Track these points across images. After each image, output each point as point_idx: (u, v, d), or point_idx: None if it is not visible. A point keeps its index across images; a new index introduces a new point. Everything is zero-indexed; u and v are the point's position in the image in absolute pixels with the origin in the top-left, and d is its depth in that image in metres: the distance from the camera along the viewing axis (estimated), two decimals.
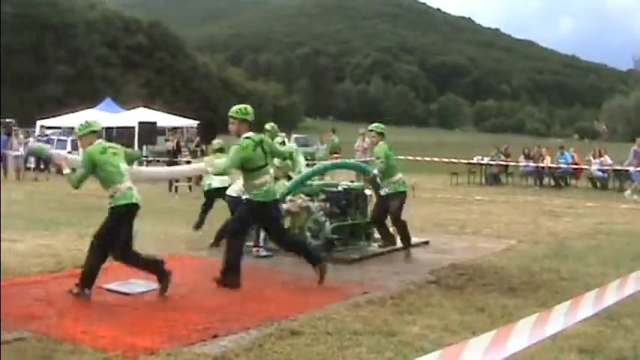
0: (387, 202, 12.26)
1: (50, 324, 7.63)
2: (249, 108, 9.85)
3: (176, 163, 25.77)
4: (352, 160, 20.41)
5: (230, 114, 9.83)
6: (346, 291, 9.45)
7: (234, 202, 12.12)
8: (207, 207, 14.47)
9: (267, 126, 14.06)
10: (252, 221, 10.04)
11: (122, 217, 8.68)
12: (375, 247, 12.68)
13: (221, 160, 11.20)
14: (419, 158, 30.27)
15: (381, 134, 12.42)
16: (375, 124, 12.68)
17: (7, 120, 56.17)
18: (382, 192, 12.23)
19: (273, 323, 7.71)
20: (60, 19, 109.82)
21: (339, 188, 12.46)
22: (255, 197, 9.56)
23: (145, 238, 9.54)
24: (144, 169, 10.50)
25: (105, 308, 8.33)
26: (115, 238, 8.63)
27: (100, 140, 8.90)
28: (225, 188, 12.72)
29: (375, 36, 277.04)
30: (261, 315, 8.06)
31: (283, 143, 16.86)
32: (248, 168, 9.54)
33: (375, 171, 12.22)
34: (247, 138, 9.54)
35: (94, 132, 9.02)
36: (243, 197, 10.04)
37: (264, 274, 10.61)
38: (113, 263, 9.12)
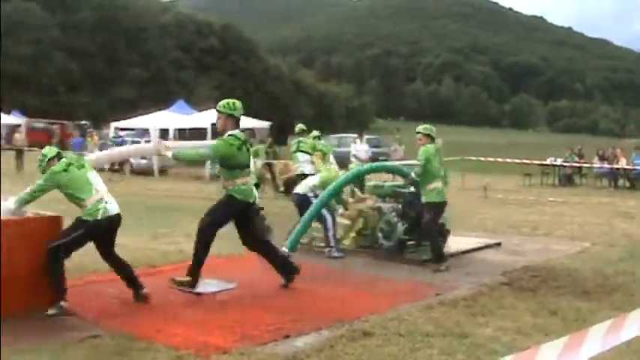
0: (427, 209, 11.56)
1: (124, 322, 7.74)
2: (237, 103, 9.48)
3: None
4: (393, 162, 20.15)
5: (217, 108, 9.50)
6: (418, 292, 9.40)
7: (301, 200, 12.17)
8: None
9: (300, 127, 14.23)
10: (229, 219, 9.48)
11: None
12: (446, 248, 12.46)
13: (188, 143, 10.95)
14: (491, 159, 29.98)
15: (427, 136, 11.50)
16: (423, 126, 11.81)
17: (82, 122, 57.32)
18: (422, 199, 11.59)
19: (344, 324, 7.71)
20: (133, 23, 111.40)
21: (412, 189, 12.35)
22: (239, 195, 9.24)
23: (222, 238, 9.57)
24: (96, 155, 10.22)
25: (178, 307, 8.41)
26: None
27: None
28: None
29: (446, 36, 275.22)
30: (333, 315, 8.07)
31: (318, 137, 16.96)
32: (231, 165, 9.20)
33: (413, 174, 11.76)
34: (232, 135, 9.20)
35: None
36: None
37: (337, 274, 10.61)
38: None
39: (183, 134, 35.02)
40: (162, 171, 32.76)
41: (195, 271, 9.10)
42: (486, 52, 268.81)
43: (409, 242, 12.13)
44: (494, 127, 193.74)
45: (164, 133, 34.40)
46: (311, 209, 11.66)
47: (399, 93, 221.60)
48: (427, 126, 11.85)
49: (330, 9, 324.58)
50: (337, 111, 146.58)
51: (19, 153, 34.44)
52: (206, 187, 26.73)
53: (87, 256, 9.17)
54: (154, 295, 8.77)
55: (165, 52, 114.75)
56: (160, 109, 38.71)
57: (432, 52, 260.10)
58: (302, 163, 17.30)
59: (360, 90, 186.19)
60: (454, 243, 12.66)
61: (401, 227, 11.84)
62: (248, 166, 9.48)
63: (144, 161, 32.86)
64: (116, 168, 31.44)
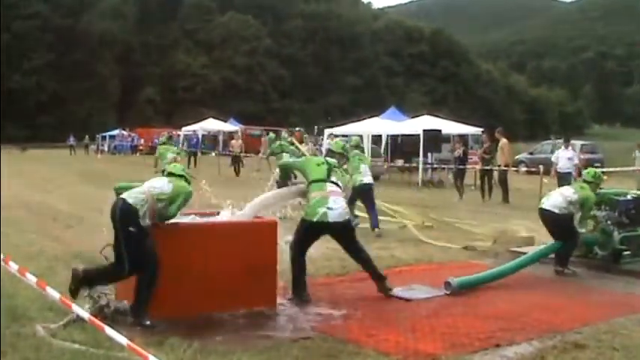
0: None
1: (336, 325, 7.90)
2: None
3: (463, 171, 25.74)
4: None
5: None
6: (635, 305, 9.02)
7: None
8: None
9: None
10: (304, 238, 9.08)
11: None
12: None
13: None
14: None
15: None
16: None
17: (297, 129, 58.70)
18: None
19: (556, 335, 7.53)
20: (346, 31, 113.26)
21: (628, 197, 11.87)
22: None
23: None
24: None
25: (388, 313, 8.46)
26: None
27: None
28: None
29: None
30: (544, 326, 7.89)
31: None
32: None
33: None
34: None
35: None
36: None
37: (549, 284, 10.35)
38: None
39: (395, 141, 35.17)
40: (375, 177, 33.01)
41: (294, 289, 8.97)
42: None
43: (625, 252, 11.65)
44: None
45: (377, 140, 34.69)
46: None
47: (616, 97, 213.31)
48: None
49: (541, 12, 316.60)
50: (550, 116, 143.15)
51: (236, 159, 35.94)
52: (417, 193, 26.78)
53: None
54: (366, 300, 8.90)
55: (377, 58, 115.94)
56: (372, 116, 39.04)
57: None
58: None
59: (574, 95, 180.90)
60: None
61: (617, 236, 11.39)
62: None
63: None
64: None
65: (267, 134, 41.98)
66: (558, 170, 22.96)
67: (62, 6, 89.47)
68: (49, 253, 11.67)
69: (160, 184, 7.77)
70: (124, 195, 7.67)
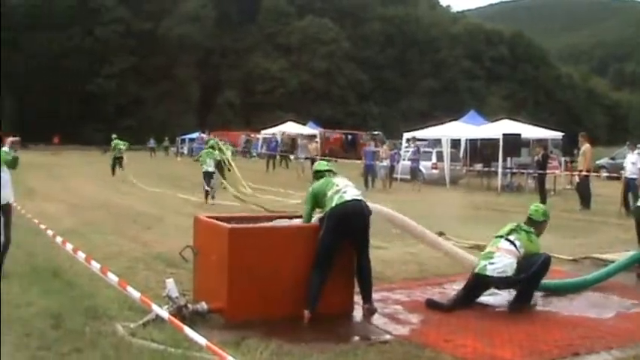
0: None
1: (413, 329, 7.85)
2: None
3: (543, 176, 25.42)
4: None
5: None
6: None
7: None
8: None
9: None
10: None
11: None
12: None
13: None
14: None
15: None
16: None
17: (375, 132, 58.80)
18: None
19: (637, 344, 7.37)
20: (424, 34, 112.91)
21: None
22: None
23: None
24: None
25: (467, 318, 8.36)
26: None
27: None
28: None
29: None
30: (625, 335, 7.72)
31: None
32: None
33: None
34: None
35: None
36: None
37: (632, 291, 10.06)
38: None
39: (474, 145, 34.88)
40: (454, 181, 32.88)
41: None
42: None
43: None
44: None
45: (455, 144, 34.46)
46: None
47: None
48: None
49: (623, 13, 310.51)
50: (632, 121, 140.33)
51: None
52: (497, 198, 26.52)
53: (378, 263, 9.35)
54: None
55: (456, 62, 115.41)
56: (451, 120, 38.80)
57: None
58: None
59: None
60: None
61: None
62: None
63: (436, 171, 33.17)
64: (409, 178, 31.98)
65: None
66: (626, 176, 22.24)
67: (143, 11, 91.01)
68: (128, 253, 11.87)
69: None
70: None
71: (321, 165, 9.12)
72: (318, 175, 8.80)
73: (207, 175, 22.58)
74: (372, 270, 8.49)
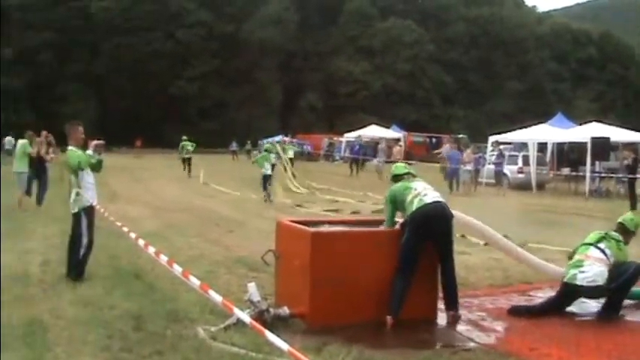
0: None
1: (497, 337, 7.73)
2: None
3: (633, 180, 24.90)
4: None
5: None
6: None
7: None
8: None
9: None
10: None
11: None
12: None
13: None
14: None
15: None
16: None
17: (460, 135, 58.36)
18: None
19: None
20: (510, 35, 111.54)
21: None
22: None
23: None
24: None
25: (552, 327, 8.20)
26: None
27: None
28: None
29: None
30: None
31: None
32: None
33: None
34: None
35: None
36: None
37: None
38: None
39: (561, 148, 34.30)
40: (540, 186, 32.34)
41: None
42: None
43: None
44: None
45: (542, 147, 33.89)
46: None
47: None
48: None
49: None
50: None
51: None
52: (585, 203, 26.01)
53: (463, 269, 9.23)
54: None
55: (542, 63, 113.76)
56: (538, 123, 38.20)
57: None
58: None
59: None
60: None
61: None
62: None
63: (521, 175, 32.68)
64: (494, 182, 31.65)
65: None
66: None
67: (224, 14, 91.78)
68: (210, 257, 11.96)
69: None
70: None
71: (399, 168, 9.01)
72: (397, 178, 8.72)
73: (265, 179, 24.48)
74: (456, 276, 8.38)
